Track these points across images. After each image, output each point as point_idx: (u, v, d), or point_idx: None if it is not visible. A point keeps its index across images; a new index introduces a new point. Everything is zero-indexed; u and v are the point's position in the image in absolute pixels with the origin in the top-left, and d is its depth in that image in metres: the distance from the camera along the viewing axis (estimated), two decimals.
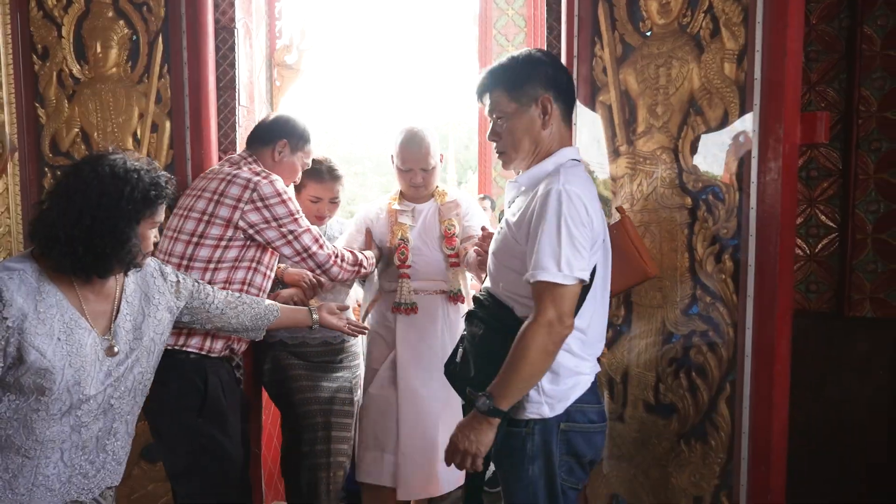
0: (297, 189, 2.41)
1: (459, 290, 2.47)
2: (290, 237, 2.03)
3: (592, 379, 1.54)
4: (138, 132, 2.35)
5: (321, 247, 2.10)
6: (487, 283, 1.59)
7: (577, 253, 1.36)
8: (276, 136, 2.13)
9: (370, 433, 2.46)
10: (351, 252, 2.25)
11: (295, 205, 2.06)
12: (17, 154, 2.30)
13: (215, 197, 1.99)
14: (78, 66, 2.33)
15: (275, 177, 2.05)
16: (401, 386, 2.41)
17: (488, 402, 1.39)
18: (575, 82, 2.04)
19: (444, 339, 2.44)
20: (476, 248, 2.09)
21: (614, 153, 2.02)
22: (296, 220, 2.03)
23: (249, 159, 2.12)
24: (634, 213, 1.95)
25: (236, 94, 2.48)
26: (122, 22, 2.32)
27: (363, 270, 2.29)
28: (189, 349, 1.95)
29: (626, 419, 2.03)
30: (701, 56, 1.80)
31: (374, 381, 2.48)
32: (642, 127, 1.93)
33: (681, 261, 1.87)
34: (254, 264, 2.06)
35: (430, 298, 2.45)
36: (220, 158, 2.45)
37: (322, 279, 2.26)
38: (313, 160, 2.28)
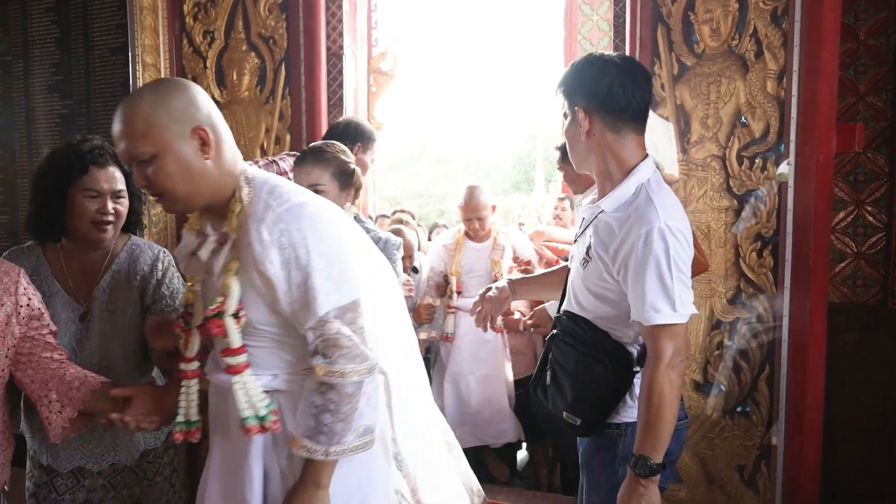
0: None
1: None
2: None
3: None
4: (265, 145, 2.82)
5: None
6: (570, 308, 1.52)
7: (686, 289, 1.33)
8: (352, 141, 2.36)
9: None
10: None
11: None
12: None
13: None
14: (219, 91, 2.83)
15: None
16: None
17: (648, 464, 1.30)
18: None
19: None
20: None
21: (671, 160, 2.27)
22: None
23: None
24: (688, 214, 2.20)
25: (343, 111, 2.91)
26: (253, 53, 2.80)
27: None
28: None
29: None
30: (747, 75, 2.03)
31: None
32: (695, 137, 2.18)
33: (727, 256, 2.11)
34: None
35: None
36: None
37: None
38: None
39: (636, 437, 1.34)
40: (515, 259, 3.16)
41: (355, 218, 1.87)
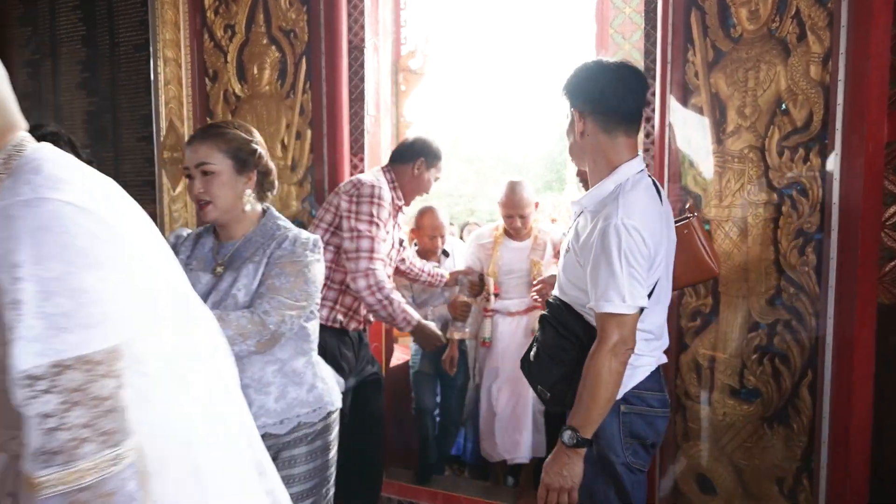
0: None
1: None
2: (354, 233, 2.24)
3: (653, 368, 1.58)
4: (285, 139, 2.78)
5: (370, 259, 2.22)
6: (557, 293, 1.65)
7: (637, 283, 1.41)
8: (415, 155, 2.46)
9: None
10: (395, 299, 2.28)
11: (381, 213, 2.27)
12: None
13: (338, 191, 2.37)
14: (239, 86, 2.80)
15: (382, 186, 2.31)
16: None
17: (575, 435, 1.42)
18: (668, 86, 2.20)
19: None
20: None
21: (705, 152, 2.14)
22: (369, 222, 2.24)
23: (384, 171, 2.46)
24: (722, 209, 2.08)
25: (365, 105, 2.85)
26: (273, 47, 2.76)
27: (389, 318, 2.31)
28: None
29: (712, 403, 2.15)
30: (788, 59, 1.90)
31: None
32: (731, 127, 2.05)
33: (766, 254, 1.97)
34: None
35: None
36: (350, 160, 2.83)
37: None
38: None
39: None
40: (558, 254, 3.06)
41: (264, 212, 1.68)
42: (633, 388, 1.54)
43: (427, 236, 3.15)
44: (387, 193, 2.33)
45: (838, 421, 1.79)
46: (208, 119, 2.82)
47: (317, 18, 2.69)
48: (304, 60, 2.73)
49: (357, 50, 2.84)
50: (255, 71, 2.78)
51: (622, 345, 1.41)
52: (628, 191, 1.47)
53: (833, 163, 1.81)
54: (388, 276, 2.43)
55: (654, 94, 2.32)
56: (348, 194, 2.30)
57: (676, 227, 1.67)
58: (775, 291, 1.96)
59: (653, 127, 2.35)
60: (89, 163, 0.92)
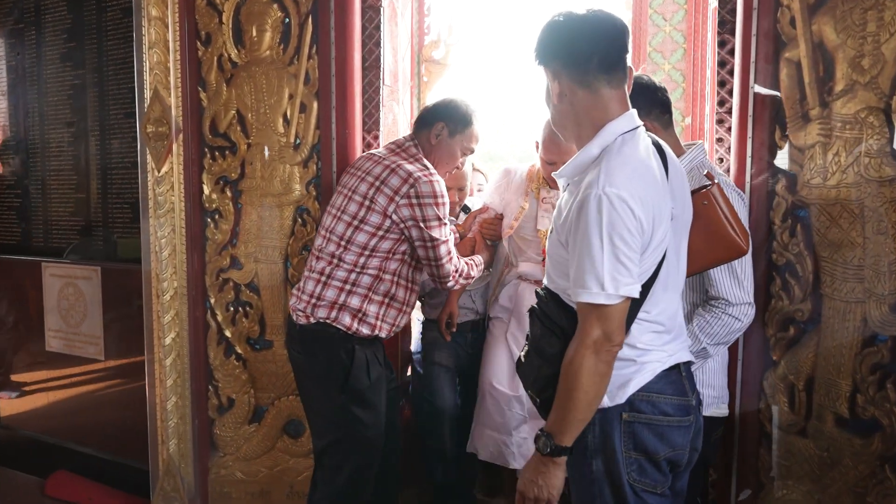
0: None
1: None
2: (430, 243, 1.98)
3: (665, 367, 1.33)
4: (288, 113, 2.38)
5: (449, 261, 2.04)
6: (546, 280, 1.44)
7: (623, 267, 1.20)
8: (435, 119, 2.08)
9: None
10: (468, 263, 2.18)
11: (446, 210, 2.00)
12: (181, 135, 2.43)
13: (376, 183, 1.97)
14: (236, 51, 2.42)
15: (437, 178, 2.00)
16: None
17: (549, 442, 1.27)
18: (753, 38, 1.77)
19: None
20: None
21: (802, 118, 1.71)
22: (440, 226, 1.99)
23: (410, 143, 2.09)
24: (828, 189, 1.64)
25: (381, 74, 2.45)
26: (275, 5, 2.37)
27: (468, 283, 2.22)
28: (338, 325, 1.96)
29: (808, 433, 1.71)
30: None
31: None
32: (842, 85, 1.61)
33: (890, 246, 1.54)
34: (406, 258, 2.04)
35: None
36: (363, 138, 2.44)
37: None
38: None
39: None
40: None
41: None
42: (639, 390, 1.31)
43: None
44: (443, 184, 2.00)
45: None
46: (200, 89, 2.44)
47: None
48: (310, 20, 2.33)
49: (372, 10, 2.45)
50: (254, 33, 2.39)
51: (605, 341, 1.21)
52: (615, 154, 1.25)
53: None
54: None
55: (732, 52, 1.89)
56: (404, 196, 1.94)
57: (693, 199, 1.43)
58: None
59: (730, 93, 1.92)
60: None
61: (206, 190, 2.45)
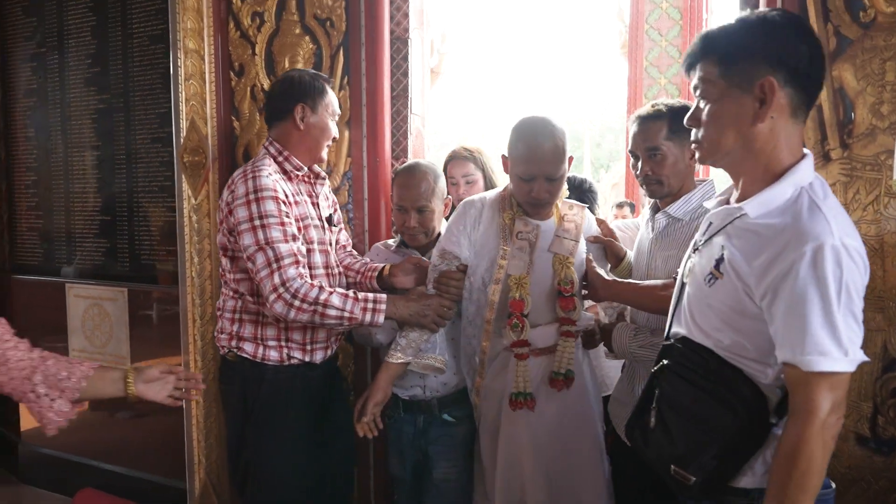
0: None
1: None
2: (244, 252, 1.74)
3: None
4: None
5: (270, 274, 1.69)
6: (688, 333, 1.26)
7: (858, 329, 1.08)
8: (291, 103, 1.89)
9: None
10: (344, 296, 1.74)
11: (266, 207, 1.72)
12: (217, 164, 2.49)
13: (221, 206, 1.88)
14: (268, 81, 2.49)
15: (260, 173, 1.76)
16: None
17: None
18: None
19: None
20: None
21: (823, 157, 1.82)
22: (253, 229, 1.71)
23: (267, 144, 1.93)
24: None
25: (408, 103, 2.54)
26: (307, 38, 2.45)
27: (339, 322, 1.74)
28: (244, 355, 1.87)
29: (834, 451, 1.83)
30: None
31: None
32: (862, 128, 1.73)
33: None
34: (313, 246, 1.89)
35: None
36: (392, 165, 2.52)
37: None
38: None
39: None
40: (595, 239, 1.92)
41: None
42: None
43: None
44: (266, 178, 1.76)
45: None
46: (233, 118, 2.51)
47: (356, 6, 2.38)
48: (341, 52, 2.41)
49: (400, 41, 2.53)
50: (287, 64, 2.47)
51: (834, 414, 1.06)
52: (823, 199, 1.10)
53: None
54: (335, 269, 1.97)
55: None
56: (225, 205, 1.81)
57: None
58: None
59: None
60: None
61: None
